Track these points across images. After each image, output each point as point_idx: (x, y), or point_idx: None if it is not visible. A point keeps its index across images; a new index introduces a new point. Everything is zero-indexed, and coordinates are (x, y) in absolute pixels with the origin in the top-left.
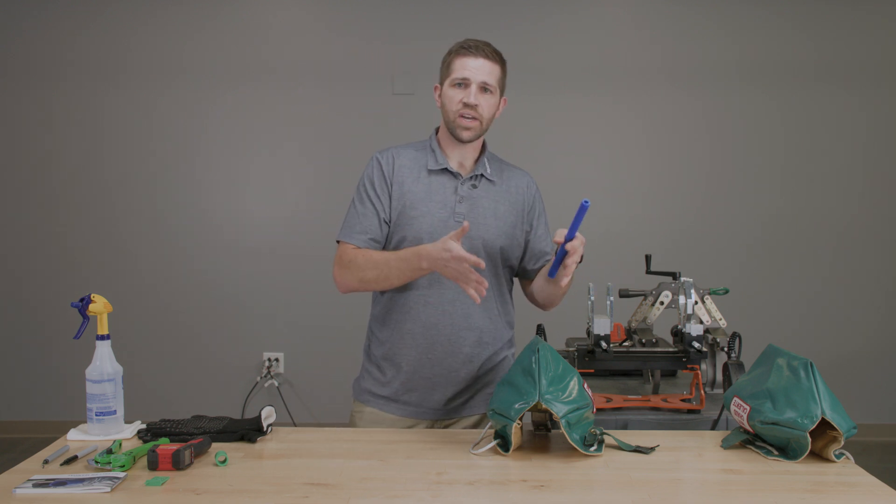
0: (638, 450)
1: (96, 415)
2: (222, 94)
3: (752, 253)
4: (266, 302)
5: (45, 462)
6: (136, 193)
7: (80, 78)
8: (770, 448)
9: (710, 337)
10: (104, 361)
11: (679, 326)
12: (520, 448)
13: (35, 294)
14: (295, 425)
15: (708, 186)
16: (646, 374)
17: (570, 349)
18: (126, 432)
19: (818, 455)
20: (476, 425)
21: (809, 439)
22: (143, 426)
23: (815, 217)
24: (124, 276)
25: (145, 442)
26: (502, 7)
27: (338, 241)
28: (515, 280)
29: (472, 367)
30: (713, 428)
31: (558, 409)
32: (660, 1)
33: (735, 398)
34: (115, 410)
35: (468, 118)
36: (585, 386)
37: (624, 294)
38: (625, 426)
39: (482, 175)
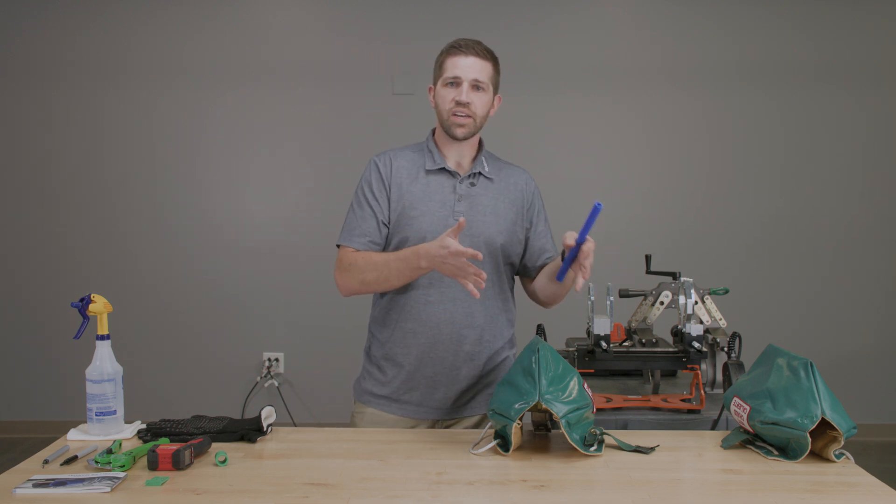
0: (638, 450)
1: (96, 415)
2: (222, 94)
3: (752, 253)
4: (266, 302)
5: (45, 462)
6: (136, 193)
7: (79, 78)
8: (770, 448)
9: (710, 337)
10: (104, 361)
11: (679, 326)
12: (520, 448)
13: (35, 294)
14: (295, 425)
15: (708, 186)
16: (646, 374)
17: (570, 349)
18: (126, 432)
19: (818, 455)
20: (477, 425)
21: (809, 439)
22: (143, 426)
23: (815, 217)
24: (124, 276)
25: (145, 442)
26: (502, 7)
27: (338, 246)
28: (516, 279)
29: (473, 366)
30: (713, 428)
31: (558, 409)
32: (660, 1)
33: (735, 398)
34: (115, 410)
35: (461, 116)
36: (585, 386)
37: (624, 294)
38: (625, 426)
39: (480, 173)
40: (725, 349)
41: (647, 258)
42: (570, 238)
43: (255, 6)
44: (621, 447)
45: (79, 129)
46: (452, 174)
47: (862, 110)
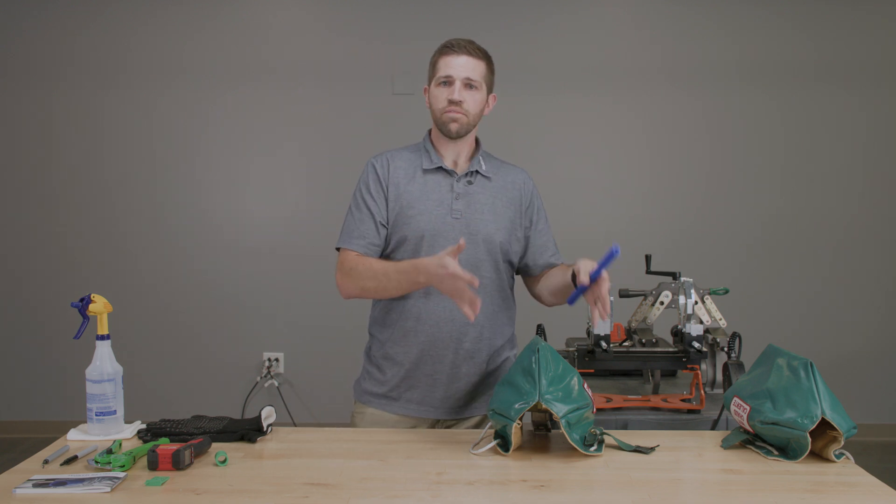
0: (638, 450)
1: (96, 415)
2: (222, 94)
3: (752, 253)
4: (266, 302)
5: (45, 462)
6: (136, 193)
7: (79, 78)
8: (770, 448)
9: (710, 337)
10: (104, 361)
11: (679, 326)
12: (520, 448)
13: (35, 294)
14: (295, 425)
15: (708, 186)
16: (646, 374)
17: (570, 349)
18: (126, 432)
19: (818, 455)
20: (477, 426)
21: (809, 439)
22: (143, 426)
23: (816, 217)
24: (124, 276)
25: (145, 442)
26: (502, 7)
27: (337, 249)
28: (517, 277)
29: (473, 363)
30: (713, 428)
31: (558, 409)
32: (660, 1)
33: (735, 398)
34: (115, 410)
35: (454, 113)
36: (585, 386)
37: (624, 294)
38: (625, 426)
39: (477, 172)
40: (725, 349)
41: (647, 258)
42: (585, 275)
43: (255, 6)
44: (621, 447)
45: (79, 129)
46: (449, 173)
47: (862, 110)
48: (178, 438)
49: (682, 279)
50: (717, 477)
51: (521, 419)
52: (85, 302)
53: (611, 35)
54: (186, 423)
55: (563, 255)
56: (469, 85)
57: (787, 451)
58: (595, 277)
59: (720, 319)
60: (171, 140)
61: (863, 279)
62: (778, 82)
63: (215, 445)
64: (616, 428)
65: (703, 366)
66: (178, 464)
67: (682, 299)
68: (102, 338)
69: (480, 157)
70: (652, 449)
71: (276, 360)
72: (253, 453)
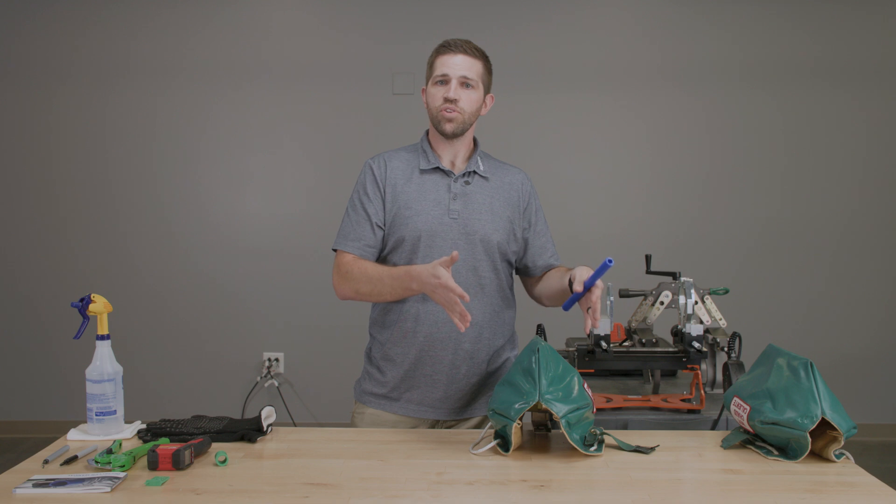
0: (638, 450)
1: (96, 415)
2: (222, 94)
3: (752, 253)
4: (266, 302)
5: (45, 462)
6: (137, 193)
7: (80, 78)
8: (770, 448)
9: (710, 337)
10: (104, 361)
11: (679, 326)
12: (520, 448)
13: (35, 294)
14: (295, 425)
15: (708, 186)
16: (646, 374)
17: (570, 349)
18: (126, 432)
19: (818, 455)
20: (478, 427)
21: (809, 439)
22: (143, 426)
23: (816, 217)
24: (124, 276)
25: (145, 442)
26: (502, 7)
27: (334, 250)
28: (516, 277)
29: (473, 364)
30: (713, 428)
31: (558, 409)
32: (660, 1)
33: (735, 398)
34: (115, 410)
35: (449, 111)
36: (585, 386)
37: (624, 294)
38: (625, 426)
39: (475, 172)
40: (725, 349)
41: (647, 258)
42: (579, 283)
43: (255, 6)
44: (621, 447)
45: (79, 129)
46: (447, 173)
47: (862, 110)
48: (178, 438)
49: (682, 279)
50: (717, 477)
51: (521, 419)
52: (85, 302)
53: (611, 35)
54: (186, 423)
55: (562, 255)
56: (465, 84)
57: (787, 451)
58: (589, 286)
59: (720, 319)
60: (172, 140)
61: (863, 279)
62: (778, 82)
63: (215, 445)
64: (616, 428)
65: (703, 366)
66: (178, 464)
67: (682, 299)
68: (102, 338)
69: (478, 158)
70: (652, 449)
71: (276, 360)
72: (253, 453)
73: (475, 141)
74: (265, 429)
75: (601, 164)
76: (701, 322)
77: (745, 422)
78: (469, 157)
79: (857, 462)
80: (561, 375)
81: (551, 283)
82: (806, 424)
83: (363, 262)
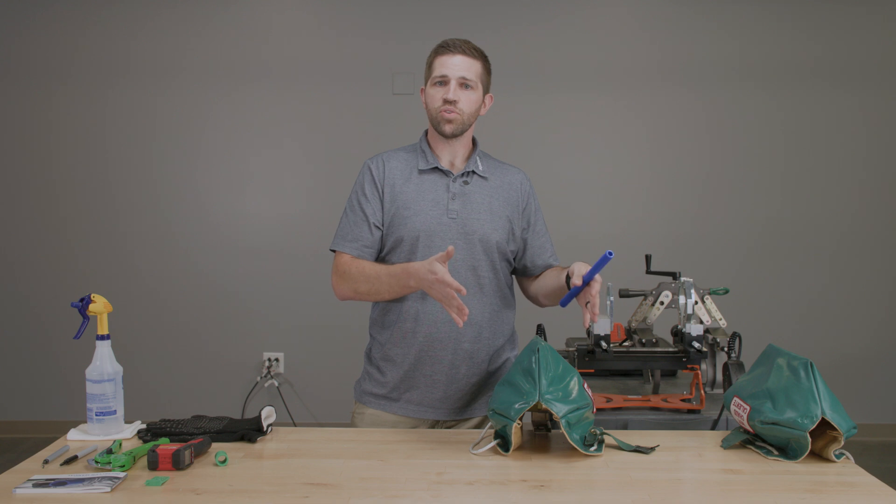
0: (638, 450)
1: (96, 415)
2: (222, 94)
3: (752, 253)
4: (266, 302)
5: (45, 462)
6: (137, 193)
7: (80, 78)
8: (770, 448)
9: (710, 337)
10: (104, 361)
11: (679, 326)
12: (520, 448)
13: (35, 294)
14: (295, 425)
15: (708, 186)
16: (646, 374)
17: (570, 349)
18: (126, 432)
19: (818, 455)
20: (478, 427)
21: (809, 439)
22: (143, 426)
23: (815, 217)
24: (124, 276)
25: (145, 442)
26: (503, 7)
27: (332, 250)
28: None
29: (472, 364)
30: (713, 428)
31: (558, 409)
32: (660, 1)
33: (735, 398)
34: (115, 410)
35: (449, 112)
36: (585, 386)
37: (624, 294)
38: (625, 426)
39: (474, 172)
40: (725, 349)
41: (647, 258)
42: (578, 277)
43: (255, 6)
44: (621, 447)
45: (79, 129)
46: (445, 173)
47: (862, 110)
48: (178, 438)
49: (682, 279)
50: (717, 477)
51: (521, 419)
52: (85, 302)
53: (611, 35)
54: (186, 423)
55: (562, 255)
56: (464, 84)
57: (787, 451)
58: (588, 280)
59: (720, 319)
60: (172, 140)
61: (863, 279)
62: (778, 82)
63: (215, 445)
64: (616, 428)
65: (703, 366)
66: (178, 464)
67: (682, 299)
68: (102, 338)
69: (477, 157)
70: (652, 449)
71: (276, 360)
72: (253, 453)
73: (474, 141)
74: (265, 429)
75: (601, 164)
76: (701, 322)
77: (745, 422)
78: (468, 157)
79: (857, 462)
80: (561, 375)
81: (548, 281)
82: (806, 424)
83: (361, 261)
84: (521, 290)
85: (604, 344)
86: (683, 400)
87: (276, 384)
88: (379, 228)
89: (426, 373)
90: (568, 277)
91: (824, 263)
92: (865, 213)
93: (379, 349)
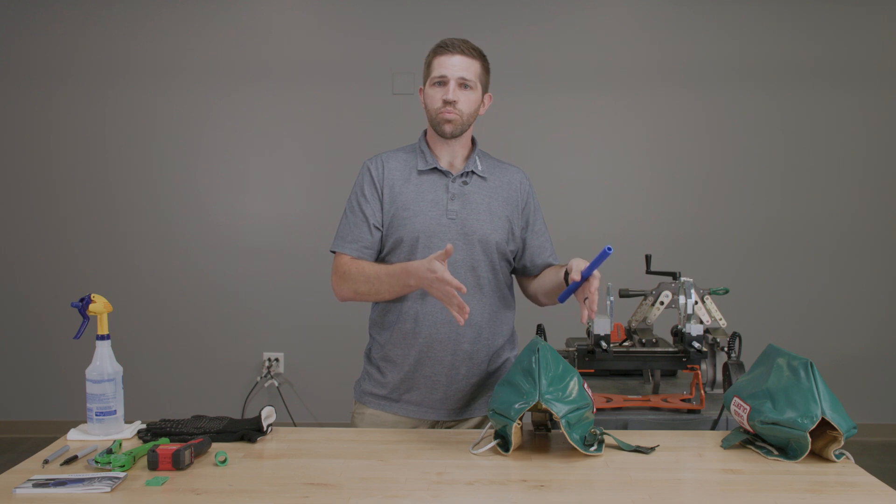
0: (638, 450)
1: (96, 415)
2: (222, 94)
3: (752, 253)
4: (266, 302)
5: (45, 462)
6: (137, 193)
7: (80, 78)
8: (770, 448)
9: (710, 337)
10: (104, 361)
11: (679, 326)
12: (520, 448)
13: (35, 294)
14: (295, 425)
15: (708, 186)
16: (646, 374)
17: (570, 349)
18: (126, 432)
19: (818, 455)
20: (478, 427)
21: (809, 439)
22: (143, 426)
23: (815, 217)
24: (124, 276)
25: (145, 442)
26: (503, 7)
27: (332, 252)
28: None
29: (472, 364)
30: (713, 428)
31: (558, 409)
32: (660, 1)
33: (735, 398)
34: (115, 410)
35: (448, 113)
36: (585, 386)
37: (624, 294)
38: (625, 426)
39: (473, 172)
40: (725, 349)
41: (647, 258)
42: (577, 273)
43: (255, 6)
44: (621, 447)
45: (79, 129)
46: (445, 174)
47: (862, 110)
48: (178, 438)
49: (682, 279)
50: (717, 477)
51: (521, 419)
52: (85, 302)
53: (611, 35)
54: (186, 423)
55: (562, 255)
56: (464, 85)
57: (787, 451)
58: (587, 275)
59: (720, 319)
60: (172, 140)
61: (863, 279)
62: (778, 82)
63: (215, 445)
64: (616, 428)
65: (703, 366)
66: (178, 464)
67: (682, 299)
68: (102, 338)
69: (476, 157)
70: (652, 449)
71: (276, 360)
72: (253, 453)
73: (473, 140)
74: (265, 429)
75: (601, 164)
76: (701, 322)
77: (745, 422)
78: (467, 157)
79: (857, 462)
80: (561, 375)
81: (547, 279)
82: (806, 424)
83: (361, 262)
84: (521, 290)
85: (604, 344)
86: (683, 400)
87: (276, 384)
88: (379, 229)
89: (426, 374)
90: (567, 273)
91: (824, 263)
92: (865, 213)
93: (379, 350)
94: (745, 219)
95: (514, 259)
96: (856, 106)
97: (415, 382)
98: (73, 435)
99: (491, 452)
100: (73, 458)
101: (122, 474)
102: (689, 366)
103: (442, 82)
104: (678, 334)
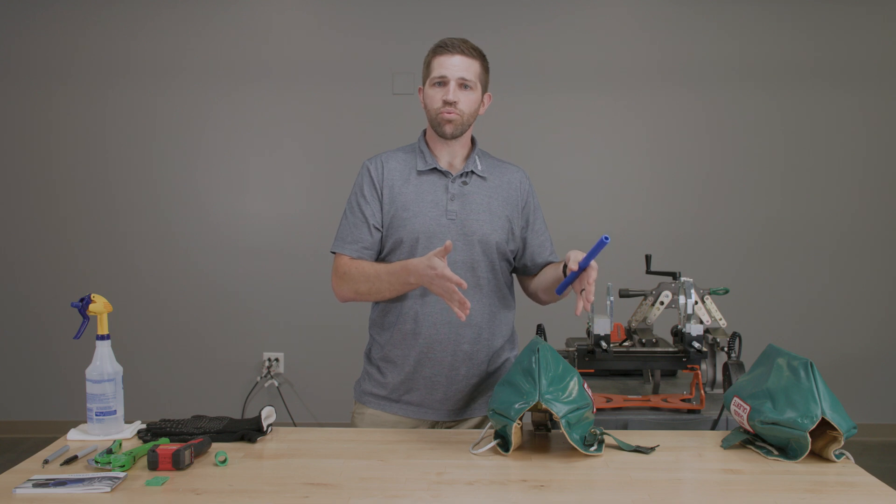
0: (638, 450)
1: (96, 415)
2: (222, 94)
3: (752, 253)
4: (266, 302)
5: (45, 462)
6: (137, 193)
7: (80, 78)
8: (770, 448)
9: (710, 337)
10: (104, 361)
11: (679, 326)
12: (520, 448)
13: (35, 294)
14: (295, 425)
15: (708, 186)
16: (646, 374)
17: (570, 349)
18: (126, 432)
19: (818, 455)
20: (477, 427)
21: (809, 439)
22: (143, 426)
23: (815, 217)
24: (124, 276)
25: (145, 442)
26: (503, 7)
27: (333, 252)
28: (513, 276)
29: (472, 365)
30: (713, 428)
31: (558, 409)
32: (660, 1)
33: (735, 398)
34: (115, 410)
35: (448, 114)
36: (585, 386)
37: (624, 294)
38: (625, 426)
39: (473, 172)
40: (725, 349)
41: (647, 258)
42: (574, 263)
43: (255, 6)
44: (621, 447)
45: (79, 129)
46: (444, 174)
47: (862, 110)
48: (178, 438)
49: (682, 279)
50: (717, 477)
51: (521, 419)
52: (85, 302)
53: (611, 35)
54: (186, 423)
55: (560, 255)
56: (463, 85)
57: (787, 451)
58: (584, 266)
59: (720, 319)
60: (172, 140)
61: (863, 279)
62: (778, 82)
63: (215, 445)
64: (616, 428)
65: (703, 366)
66: (178, 464)
67: (682, 299)
68: (102, 338)
69: (476, 157)
70: (652, 449)
71: (276, 360)
72: (253, 453)
73: (473, 140)
74: (265, 429)
75: (601, 164)
76: (701, 322)
77: (745, 422)
78: (467, 157)
79: (857, 462)
80: (561, 375)
81: (546, 276)
82: (806, 424)
83: (360, 262)
84: (522, 289)
85: (604, 344)
86: (683, 400)
87: (276, 384)
88: (378, 230)
89: (426, 375)
90: (565, 265)
91: (824, 263)
92: (865, 213)
93: (379, 350)
94: (745, 219)
95: (514, 258)
96: (856, 106)
97: (415, 383)
98: (73, 435)
99: (491, 452)
100: (73, 458)
101: (122, 474)
102: (689, 366)
103: (442, 82)
104: (678, 334)
